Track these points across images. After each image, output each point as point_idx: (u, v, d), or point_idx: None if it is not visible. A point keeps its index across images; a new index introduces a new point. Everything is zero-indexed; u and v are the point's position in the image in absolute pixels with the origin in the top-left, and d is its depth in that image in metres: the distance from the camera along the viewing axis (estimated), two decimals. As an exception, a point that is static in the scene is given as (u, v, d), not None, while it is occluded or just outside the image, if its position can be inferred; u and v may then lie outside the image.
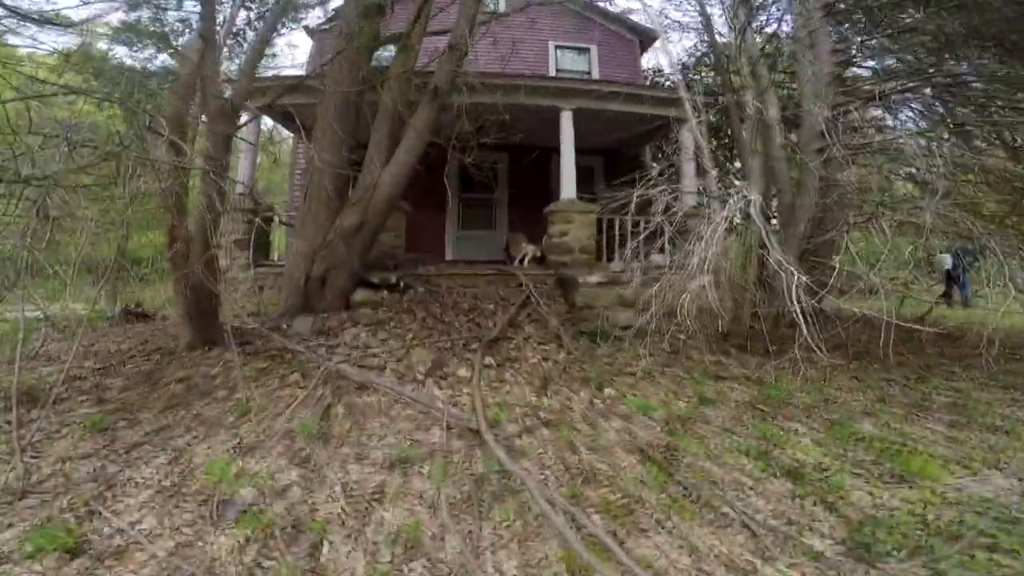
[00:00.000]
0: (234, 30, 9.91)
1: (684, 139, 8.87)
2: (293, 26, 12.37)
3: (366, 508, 3.06)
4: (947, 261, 11.72)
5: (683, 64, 12.17)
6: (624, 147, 10.92)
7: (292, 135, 11.90)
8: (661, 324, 5.72)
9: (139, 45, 9.04)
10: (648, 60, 12.82)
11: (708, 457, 3.68)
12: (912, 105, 8.34)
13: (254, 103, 8.69)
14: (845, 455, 3.81)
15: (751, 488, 3.37)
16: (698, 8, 9.73)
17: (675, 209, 6.71)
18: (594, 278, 6.55)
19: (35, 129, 4.05)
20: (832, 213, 6.57)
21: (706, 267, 4.28)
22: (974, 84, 7.21)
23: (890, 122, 9.31)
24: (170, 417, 4.42)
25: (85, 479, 3.46)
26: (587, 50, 11.50)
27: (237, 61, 11.04)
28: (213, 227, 5.99)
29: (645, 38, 12.12)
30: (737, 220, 4.85)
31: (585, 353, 5.76)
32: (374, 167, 6.75)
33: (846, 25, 7.47)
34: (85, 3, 7.50)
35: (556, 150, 9.70)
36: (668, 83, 12.26)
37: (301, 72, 9.37)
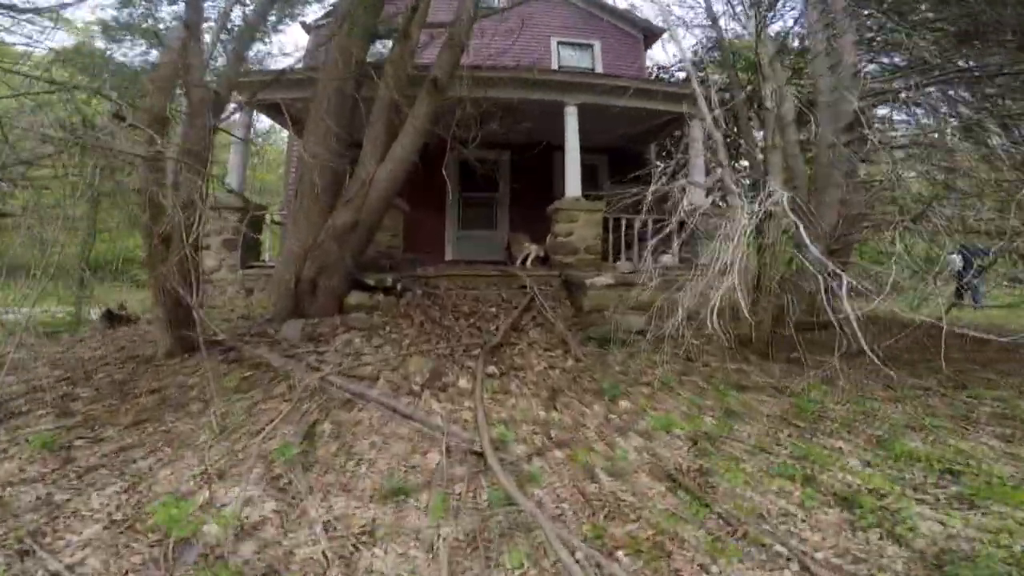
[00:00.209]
0: (228, 25, 9.44)
1: (693, 135, 8.39)
2: (289, 22, 11.90)
3: (352, 551, 2.53)
4: (957, 262, 11.25)
5: (689, 61, 11.68)
6: (629, 145, 10.42)
7: (289, 133, 11.38)
8: (665, 326, 5.23)
9: (130, 41, 8.55)
10: (651, 58, 12.32)
11: (747, 482, 3.16)
12: (929, 101, 7.86)
13: (243, 96, 8.23)
14: (900, 477, 3.30)
15: (802, 520, 2.85)
16: (704, 4, 9.29)
17: (692, 207, 6.22)
18: (603, 280, 6.05)
19: None
20: (852, 210, 6.08)
21: (734, 268, 3.77)
22: (997, 78, 6.74)
23: (897, 117, 8.87)
24: (136, 434, 3.88)
25: (27, 508, 2.93)
26: (590, 46, 11.01)
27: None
28: (195, 225, 5.48)
29: (649, 34, 11.63)
30: (758, 218, 4.34)
31: (595, 360, 5.24)
32: (369, 163, 6.23)
33: (867, 13, 6.98)
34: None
35: (559, 148, 9.20)
36: (673, 79, 11.77)
37: (299, 70, 8.83)
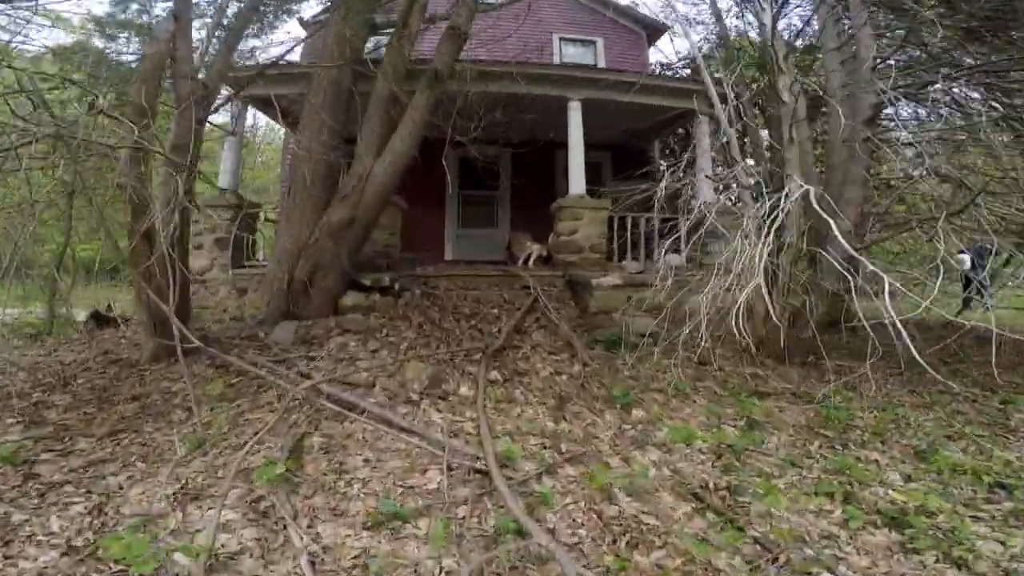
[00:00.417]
0: (224, 21, 9.12)
1: (699, 132, 8.05)
2: (287, 18, 11.53)
3: (340, 589, 2.19)
4: (965, 262, 10.95)
5: (692, 58, 11.36)
6: (632, 142, 10.09)
7: (286, 131, 11.01)
8: (675, 329, 4.90)
9: (125, 39, 8.21)
10: (653, 55, 11.99)
11: (781, 501, 2.82)
12: (944, 98, 7.53)
13: (241, 92, 7.87)
14: (948, 492, 2.97)
15: (847, 542, 2.52)
16: (708, 0, 8.95)
17: (702, 204, 5.88)
18: (610, 280, 5.71)
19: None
20: (871, 208, 5.75)
21: (759, 267, 3.44)
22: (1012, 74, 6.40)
23: (904, 113, 8.54)
24: (110, 446, 3.53)
25: (-24, 531, 2.58)
26: (593, 43, 10.67)
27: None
28: (173, 223, 5.12)
29: (652, 31, 11.29)
30: (783, 214, 3.99)
31: (603, 365, 4.90)
32: (366, 157, 5.88)
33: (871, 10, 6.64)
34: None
35: (561, 145, 8.85)
36: (675, 76, 11.43)
37: (293, 63, 8.47)
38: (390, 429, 3.31)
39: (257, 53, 11.69)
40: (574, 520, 2.61)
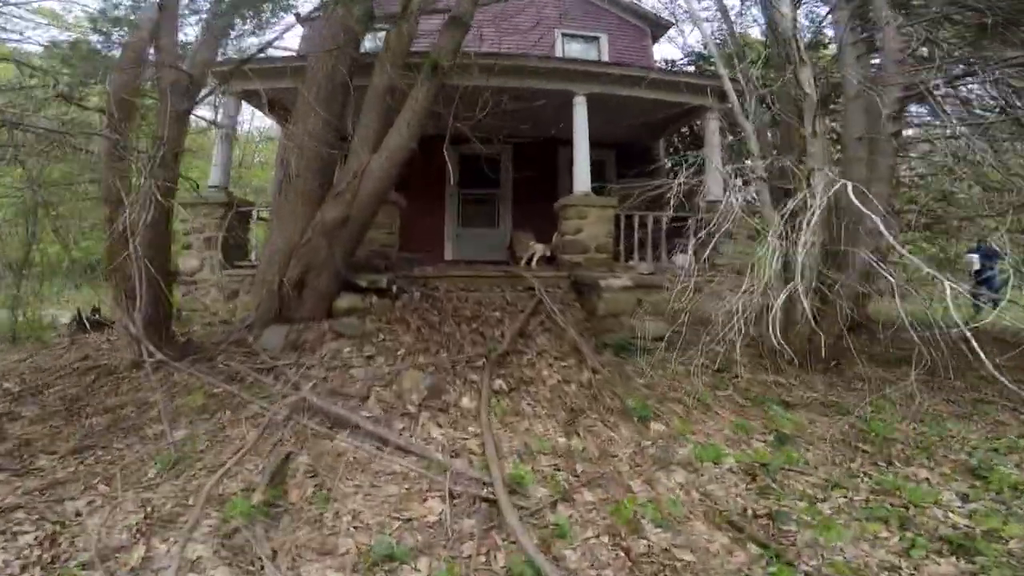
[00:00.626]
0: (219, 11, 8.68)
1: (709, 129, 7.69)
2: (284, 15, 11.15)
3: (322, 649, 1.81)
4: (975, 261, 10.60)
5: (698, 54, 11.02)
6: (636, 140, 9.71)
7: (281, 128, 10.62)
8: (689, 334, 4.54)
9: (118, 34, 7.83)
10: (658, 52, 11.63)
11: (828, 528, 2.45)
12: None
13: (231, 87, 7.48)
14: (1013, 513, 2.60)
15: (911, 574, 2.16)
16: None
17: (713, 202, 5.52)
18: (619, 282, 5.33)
19: None
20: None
21: (797, 270, 3.07)
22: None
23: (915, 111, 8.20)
24: (73, 465, 3.15)
25: (-91, 572, 2.20)
26: (596, 39, 10.30)
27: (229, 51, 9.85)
28: (164, 221, 4.75)
29: (656, 27, 10.93)
30: (821, 211, 3.61)
31: (614, 372, 4.52)
32: (362, 153, 5.49)
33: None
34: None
35: (564, 142, 8.48)
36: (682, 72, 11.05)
37: (287, 57, 8.08)
38: (385, 448, 2.94)
39: (254, 50, 11.30)
40: (596, 557, 2.23)
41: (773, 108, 8.41)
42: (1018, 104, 6.08)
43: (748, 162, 9.92)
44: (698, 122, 9.96)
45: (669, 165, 10.97)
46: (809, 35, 9.78)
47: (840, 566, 2.20)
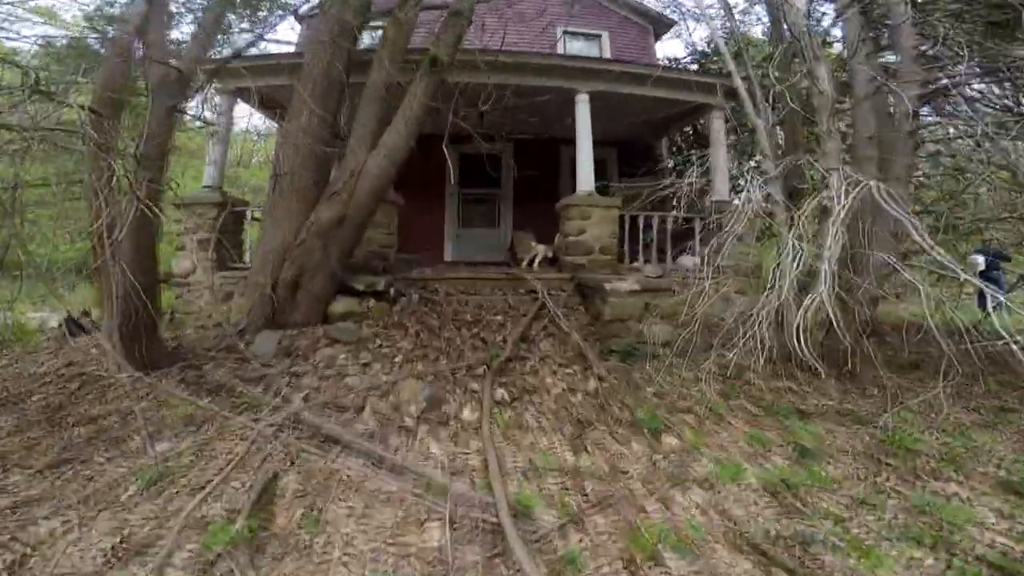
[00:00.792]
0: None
1: (714, 128, 7.48)
2: (282, 13, 10.96)
3: None
4: (979, 262, 10.40)
5: (702, 52, 10.82)
6: (639, 138, 9.51)
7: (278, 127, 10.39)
8: (698, 339, 4.33)
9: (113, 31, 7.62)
10: (660, 51, 11.42)
11: (863, 553, 2.25)
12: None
13: (225, 84, 7.27)
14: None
15: None
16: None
17: (718, 202, 5.30)
18: (626, 285, 5.12)
19: None
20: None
21: (825, 275, 2.86)
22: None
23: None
24: (50, 480, 2.93)
25: None
26: (598, 36, 10.08)
27: (226, 50, 9.63)
28: (148, 221, 4.52)
29: (659, 25, 10.72)
30: (848, 212, 3.38)
31: (621, 380, 4.31)
32: (359, 151, 5.28)
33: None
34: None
35: (566, 141, 8.27)
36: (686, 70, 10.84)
37: (281, 54, 7.86)
38: (381, 466, 2.72)
39: (251, 49, 11.08)
40: (612, 594, 2.03)
41: (779, 106, 8.20)
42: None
43: (752, 161, 9.71)
44: (701, 121, 9.77)
45: (672, 164, 10.81)
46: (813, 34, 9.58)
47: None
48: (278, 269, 4.92)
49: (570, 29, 10.01)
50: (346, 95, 5.66)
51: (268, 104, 7.83)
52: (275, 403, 3.35)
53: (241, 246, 7.41)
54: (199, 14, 7.05)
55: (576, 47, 9.96)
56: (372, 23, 7.56)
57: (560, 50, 9.78)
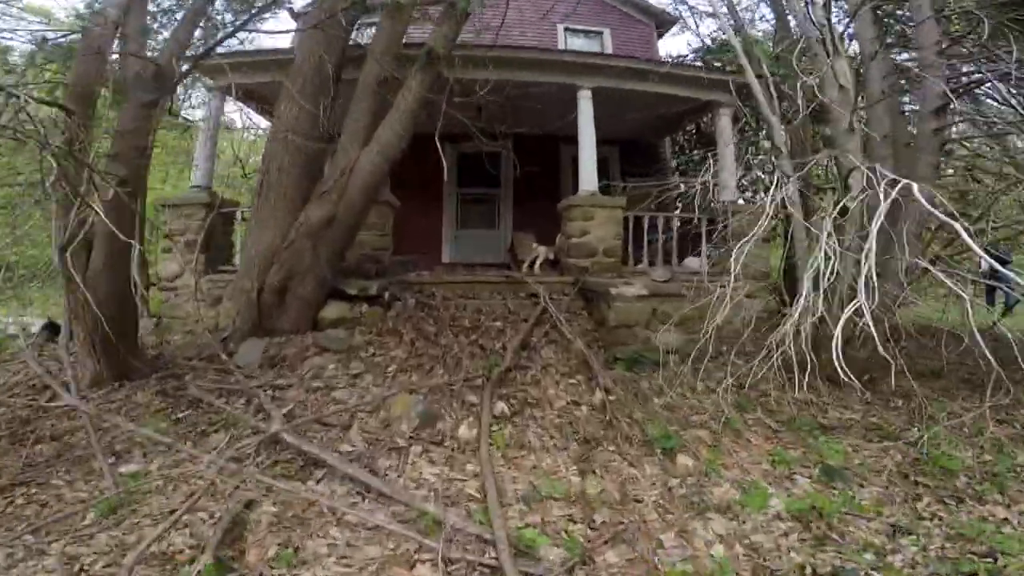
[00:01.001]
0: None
1: (721, 125, 7.21)
2: (277, 10, 10.70)
3: None
4: (982, 263, 10.12)
5: (707, 49, 10.53)
6: (641, 137, 9.24)
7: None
8: (707, 346, 4.06)
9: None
10: (662, 49, 11.17)
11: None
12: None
13: (217, 82, 7.00)
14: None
15: None
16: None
17: (725, 203, 5.03)
18: (632, 290, 4.84)
19: None
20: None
21: (862, 282, 2.58)
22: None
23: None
24: (2, 505, 2.65)
25: None
26: (599, 33, 9.82)
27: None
28: (126, 223, 4.25)
29: (662, 23, 10.46)
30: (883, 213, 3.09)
31: (628, 391, 4.03)
32: (351, 149, 5.01)
33: None
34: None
35: (567, 139, 8.00)
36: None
37: (270, 50, 7.59)
38: (367, 494, 2.44)
39: (244, 46, 10.82)
40: (627, 650, 1.74)
41: (784, 105, 7.94)
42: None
43: (757, 159, 9.43)
44: (705, 119, 9.50)
45: (675, 164, 10.55)
46: (818, 32, 9.32)
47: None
48: (264, 273, 4.65)
49: (571, 26, 9.76)
50: (339, 91, 5.39)
51: (262, 102, 7.58)
52: (255, 421, 3.07)
53: (231, 248, 7.13)
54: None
55: (577, 44, 9.70)
56: (367, 20, 7.32)
57: (561, 46, 9.53)
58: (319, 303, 4.88)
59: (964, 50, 5.84)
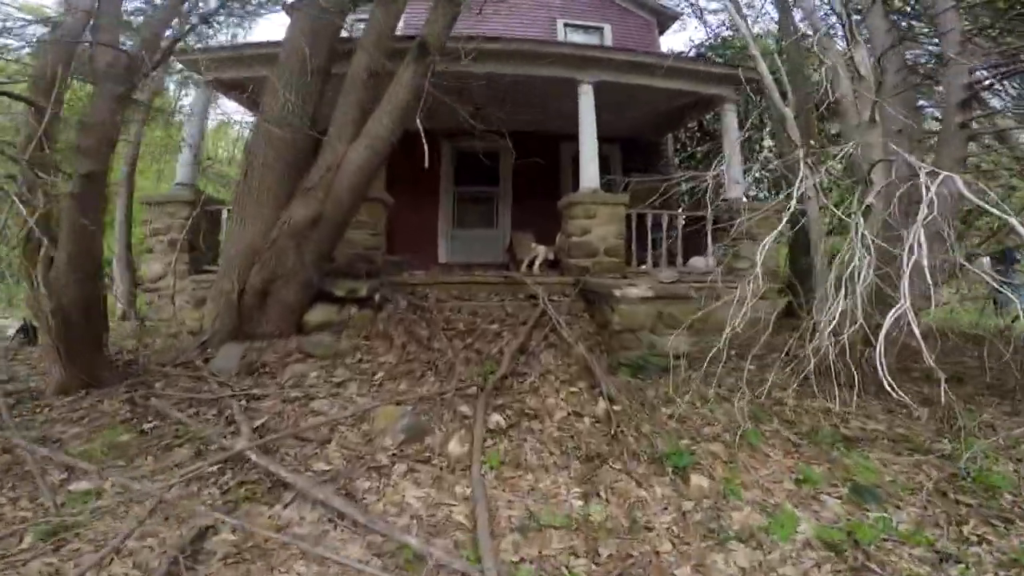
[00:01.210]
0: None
1: (727, 120, 6.93)
2: (272, 6, 10.46)
3: None
4: (985, 263, 9.84)
5: (709, 45, 10.28)
6: (643, 134, 8.95)
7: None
8: (724, 355, 3.75)
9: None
10: (664, 45, 10.89)
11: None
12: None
13: (205, 76, 6.72)
14: None
15: None
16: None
17: (730, 201, 4.74)
18: (637, 291, 4.53)
19: None
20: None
21: (905, 282, 2.28)
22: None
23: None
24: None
25: None
26: (600, 29, 9.54)
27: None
28: (88, 218, 3.96)
29: (663, 19, 10.19)
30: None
31: (634, 400, 3.72)
32: (338, 143, 4.71)
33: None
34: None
35: (567, 136, 7.70)
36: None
37: (256, 43, 7.31)
38: (340, 521, 2.14)
39: (229, 38, 10.53)
40: None
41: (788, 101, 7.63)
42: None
43: (760, 156, 9.13)
44: (708, 116, 9.22)
45: (677, 162, 10.26)
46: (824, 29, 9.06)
47: None
48: (245, 273, 4.35)
49: (570, 21, 9.50)
50: (328, 86, 5.10)
51: (255, 97, 7.31)
52: (223, 435, 2.76)
53: (218, 247, 6.84)
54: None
55: (577, 40, 9.42)
56: (358, 17, 7.05)
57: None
58: (304, 306, 4.57)
59: (985, 43, 5.57)
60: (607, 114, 7.01)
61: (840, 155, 3.39)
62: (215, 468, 2.52)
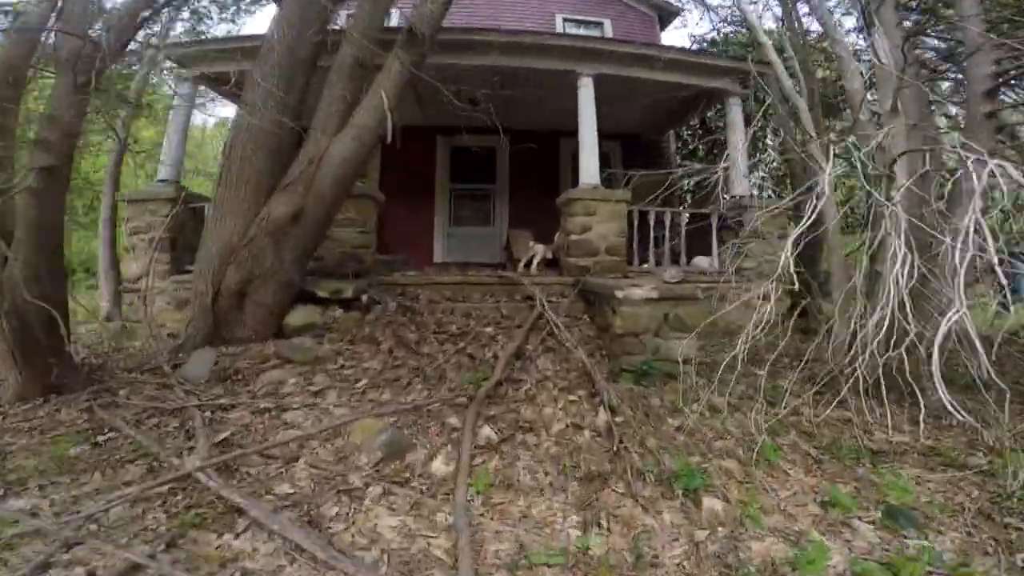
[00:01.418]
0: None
1: (733, 115, 6.63)
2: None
3: None
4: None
5: (712, 40, 9.99)
6: (644, 131, 8.66)
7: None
8: (737, 364, 3.45)
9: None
10: (666, 40, 10.62)
11: None
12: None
13: (190, 70, 6.45)
14: None
15: None
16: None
17: (736, 198, 4.43)
18: (640, 292, 4.22)
19: None
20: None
21: (960, 286, 1.99)
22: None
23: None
24: None
25: None
26: (599, 24, 9.26)
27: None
28: (58, 219, 3.68)
29: (664, 14, 9.91)
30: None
31: (638, 410, 3.40)
32: (322, 136, 4.43)
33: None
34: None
35: (566, 133, 7.44)
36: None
37: (242, 36, 7.04)
38: (299, 556, 1.83)
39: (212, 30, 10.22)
40: None
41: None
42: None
43: (765, 152, 8.81)
44: (710, 112, 8.94)
45: (679, 160, 9.97)
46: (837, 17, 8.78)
47: None
48: (221, 274, 4.05)
49: (570, 16, 9.23)
50: (313, 79, 4.81)
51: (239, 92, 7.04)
52: (179, 450, 2.46)
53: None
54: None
55: (576, 34, 9.17)
56: (346, 12, 6.79)
57: (559, 37, 8.98)
58: (284, 307, 4.28)
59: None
60: (607, 109, 6.73)
61: (871, 146, 3.06)
62: (166, 488, 2.21)
